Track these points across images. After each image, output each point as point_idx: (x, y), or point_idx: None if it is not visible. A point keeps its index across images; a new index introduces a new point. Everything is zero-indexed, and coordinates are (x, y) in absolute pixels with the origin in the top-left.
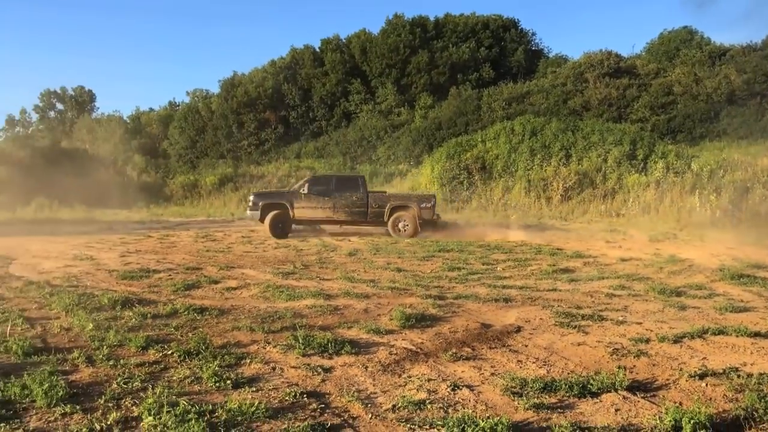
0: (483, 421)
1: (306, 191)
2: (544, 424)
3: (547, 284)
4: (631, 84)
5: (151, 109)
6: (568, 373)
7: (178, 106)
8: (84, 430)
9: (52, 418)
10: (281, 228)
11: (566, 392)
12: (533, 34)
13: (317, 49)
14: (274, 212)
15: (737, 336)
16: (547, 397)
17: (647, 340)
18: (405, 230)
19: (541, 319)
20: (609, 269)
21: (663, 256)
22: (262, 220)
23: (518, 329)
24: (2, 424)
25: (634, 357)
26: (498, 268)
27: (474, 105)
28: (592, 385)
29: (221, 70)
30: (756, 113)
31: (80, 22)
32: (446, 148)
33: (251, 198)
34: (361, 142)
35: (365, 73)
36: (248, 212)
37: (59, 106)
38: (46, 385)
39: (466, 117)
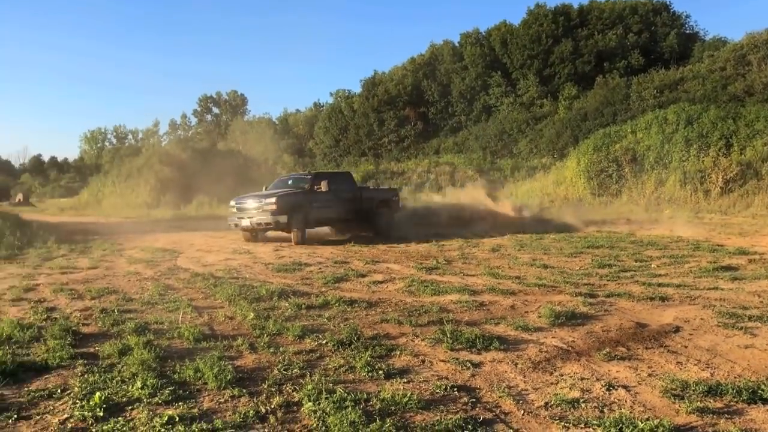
0: (642, 422)
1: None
2: (710, 430)
3: (708, 283)
4: None
5: (298, 111)
6: (735, 377)
7: (323, 106)
8: (251, 412)
9: (222, 400)
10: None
11: (733, 397)
12: (687, 16)
13: (456, 44)
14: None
15: None
16: (711, 401)
17: None
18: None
19: (701, 319)
20: None
21: None
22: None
23: (677, 329)
24: (181, 403)
25: None
26: (652, 266)
27: (622, 94)
28: (763, 390)
29: (363, 69)
30: None
31: (232, 28)
32: (593, 139)
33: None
34: (502, 135)
35: (506, 66)
36: (270, 217)
37: (215, 110)
38: (216, 369)
39: (613, 107)
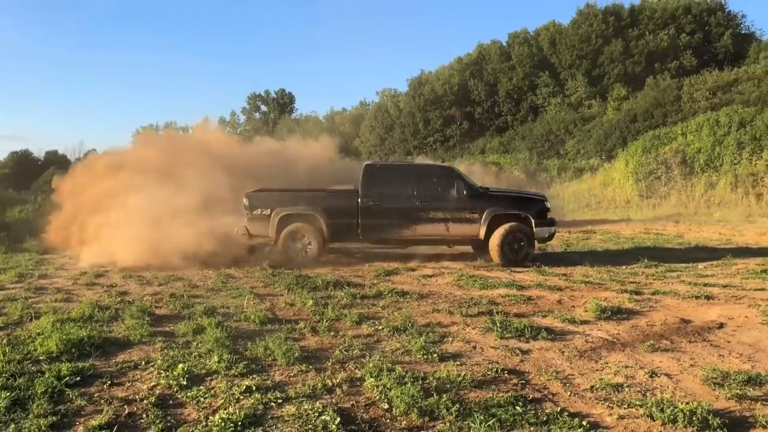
0: (682, 404)
1: None
2: (747, 414)
3: (755, 284)
4: None
5: (344, 109)
6: None
7: (369, 105)
8: (319, 385)
9: (292, 374)
10: None
11: None
12: (743, 16)
13: (504, 44)
14: None
15: None
16: (751, 389)
17: None
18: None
19: (746, 317)
20: None
21: None
22: None
23: (720, 325)
24: (255, 376)
25: None
26: (699, 267)
27: (673, 95)
28: None
29: (409, 69)
30: None
31: (279, 27)
32: (642, 141)
33: None
34: (549, 136)
35: (554, 66)
36: None
37: (263, 108)
38: (284, 347)
39: (664, 108)
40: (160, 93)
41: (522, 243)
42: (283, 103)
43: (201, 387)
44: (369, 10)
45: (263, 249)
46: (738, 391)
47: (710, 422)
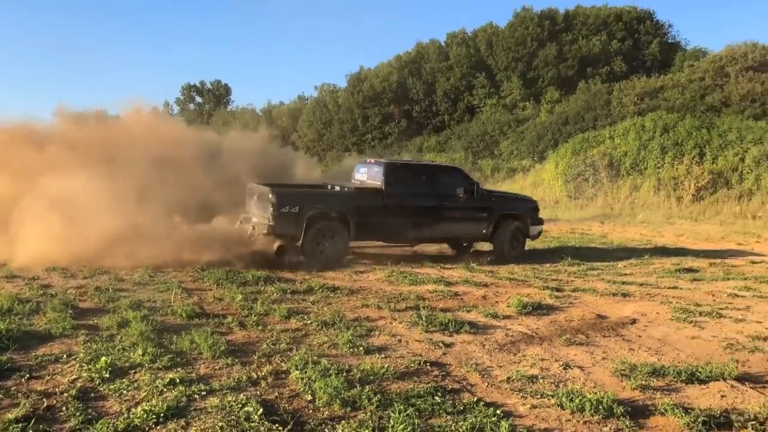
0: (590, 394)
1: None
2: (649, 403)
3: (669, 282)
4: None
5: (282, 103)
6: (678, 362)
7: (307, 100)
8: (244, 377)
9: (217, 367)
10: None
11: (674, 378)
12: (670, 26)
13: (443, 43)
14: None
15: None
16: (654, 380)
17: (765, 338)
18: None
19: (657, 313)
20: (736, 270)
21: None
22: None
23: (633, 321)
24: (179, 369)
25: (749, 352)
26: (619, 265)
27: (604, 100)
28: (700, 373)
29: (348, 65)
30: None
31: (217, 18)
32: (572, 143)
33: None
34: (484, 136)
35: (490, 67)
36: None
37: (198, 99)
38: (210, 341)
39: (594, 112)
40: (90, 80)
41: (519, 239)
42: (219, 94)
43: (124, 380)
44: (309, 5)
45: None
46: (643, 381)
47: (614, 410)
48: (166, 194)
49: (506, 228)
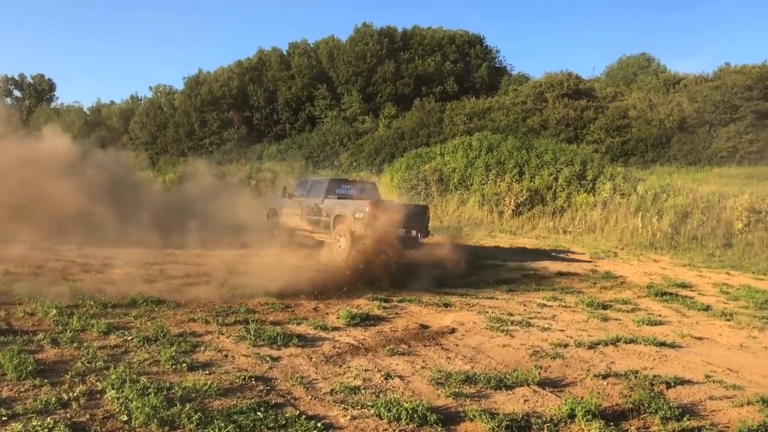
0: (407, 403)
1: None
2: (460, 409)
3: (487, 293)
4: (589, 106)
5: (113, 102)
6: (490, 370)
7: (141, 100)
8: (53, 399)
9: (23, 389)
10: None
11: (484, 384)
12: (497, 51)
13: (284, 53)
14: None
15: (645, 345)
16: (467, 387)
17: (565, 345)
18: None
19: (474, 323)
20: (546, 282)
21: (599, 272)
22: None
23: (452, 330)
24: None
25: (551, 359)
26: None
27: (436, 117)
28: (507, 379)
29: (186, 67)
30: (704, 141)
31: (43, 10)
32: (406, 158)
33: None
34: (324, 147)
35: (331, 79)
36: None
37: (17, 93)
38: (16, 360)
39: (428, 129)
40: None
41: None
42: (42, 90)
43: None
44: (141, 2)
45: None
46: (456, 389)
47: (428, 418)
48: None
49: None
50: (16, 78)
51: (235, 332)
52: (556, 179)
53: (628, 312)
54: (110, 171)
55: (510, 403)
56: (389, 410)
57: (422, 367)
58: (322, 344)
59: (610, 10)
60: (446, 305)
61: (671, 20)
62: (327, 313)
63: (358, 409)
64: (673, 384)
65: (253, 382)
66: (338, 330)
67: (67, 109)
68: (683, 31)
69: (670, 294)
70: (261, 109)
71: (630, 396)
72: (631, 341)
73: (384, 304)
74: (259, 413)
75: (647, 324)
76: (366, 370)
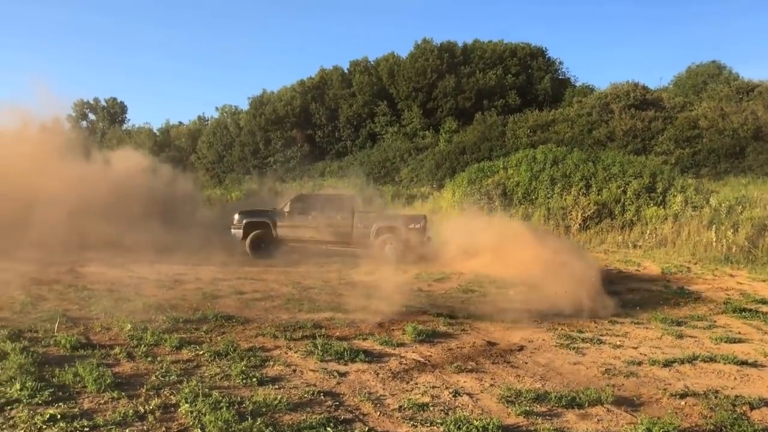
0: (477, 421)
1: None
2: (532, 428)
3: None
4: (657, 116)
5: (181, 123)
6: (561, 388)
7: (207, 121)
8: (130, 412)
9: (102, 401)
10: (263, 248)
11: (556, 403)
12: (560, 63)
13: (346, 71)
14: (257, 231)
15: (725, 363)
16: (538, 406)
17: (639, 363)
18: (392, 253)
19: (543, 340)
20: (616, 297)
21: (672, 288)
22: (244, 239)
23: (521, 348)
24: (61, 404)
25: (625, 377)
26: (510, 292)
27: (499, 131)
28: (580, 398)
29: (251, 88)
30: None
31: (116, 33)
32: (468, 173)
33: (236, 216)
34: (385, 163)
35: (392, 96)
36: (232, 231)
37: (92, 116)
38: (95, 374)
39: (490, 143)
40: None
41: None
42: (114, 112)
43: None
44: (210, 26)
45: None
46: (527, 407)
47: None
48: None
49: None
50: (91, 102)
51: (302, 347)
52: (624, 192)
53: (705, 329)
54: (183, 190)
55: (583, 422)
56: (459, 428)
57: (491, 385)
58: (389, 360)
59: (677, 17)
60: (514, 321)
61: (742, 26)
62: (392, 329)
63: (427, 427)
64: (757, 405)
65: (322, 397)
66: (404, 346)
67: (138, 130)
68: (756, 37)
69: (750, 310)
70: (323, 127)
71: (711, 417)
72: (710, 359)
73: (449, 320)
74: (329, 429)
75: (726, 341)
76: (434, 387)
